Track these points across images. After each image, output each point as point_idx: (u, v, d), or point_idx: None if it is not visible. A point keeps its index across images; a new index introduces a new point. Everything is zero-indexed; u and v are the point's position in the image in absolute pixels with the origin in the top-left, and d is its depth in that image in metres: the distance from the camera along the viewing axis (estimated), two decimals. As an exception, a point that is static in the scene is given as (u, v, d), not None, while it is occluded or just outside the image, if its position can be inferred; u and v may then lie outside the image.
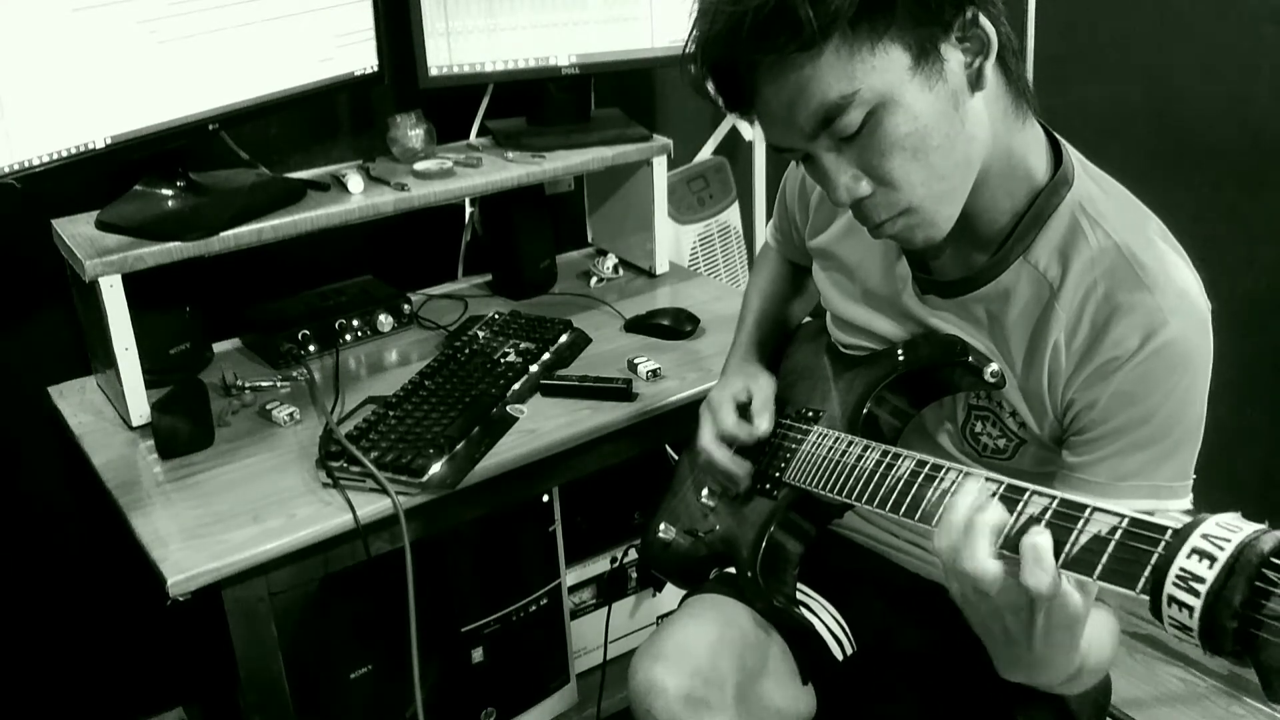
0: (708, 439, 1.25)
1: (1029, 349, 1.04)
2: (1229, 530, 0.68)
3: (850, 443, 1.09)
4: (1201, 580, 0.67)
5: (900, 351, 1.14)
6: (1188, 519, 0.72)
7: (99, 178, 1.58)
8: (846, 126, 0.91)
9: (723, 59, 0.92)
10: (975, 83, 0.93)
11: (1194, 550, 0.69)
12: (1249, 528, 0.68)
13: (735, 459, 1.22)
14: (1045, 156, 1.02)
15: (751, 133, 2.39)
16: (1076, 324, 1.00)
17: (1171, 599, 0.69)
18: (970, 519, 0.83)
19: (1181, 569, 0.68)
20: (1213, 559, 0.67)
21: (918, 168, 0.93)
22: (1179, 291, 0.97)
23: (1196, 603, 0.67)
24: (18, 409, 1.69)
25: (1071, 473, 1.02)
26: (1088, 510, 0.79)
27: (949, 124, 0.92)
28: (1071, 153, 1.04)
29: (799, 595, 1.27)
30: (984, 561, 0.81)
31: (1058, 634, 0.84)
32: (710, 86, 0.95)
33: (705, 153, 2.36)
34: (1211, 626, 0.66)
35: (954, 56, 0.91)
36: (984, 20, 0.91)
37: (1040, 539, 0.78)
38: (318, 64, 1.67)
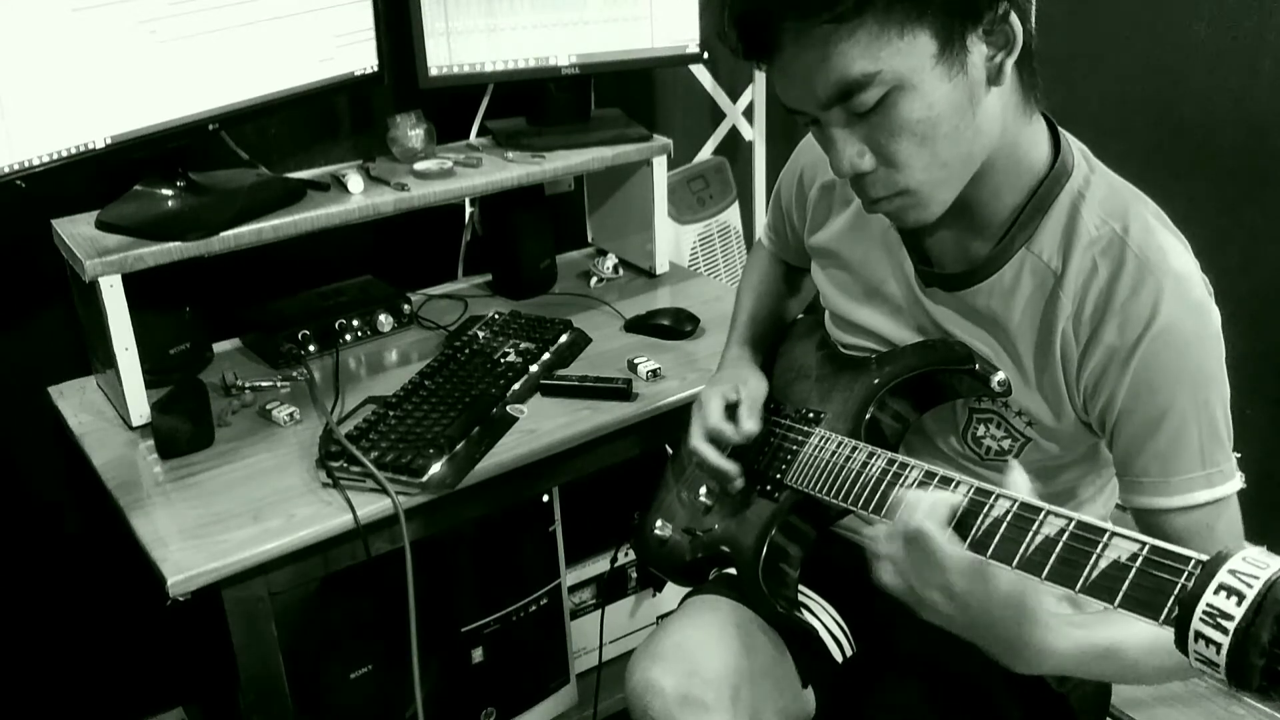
0: (697, 437, 1.25)
1: (1039, 342, 1.04)
2: (1256, 566, 0.68)
3: (854, 448, 1.09)
4: (1230, 618, 0.67)
5: (903, 356, 1.14)
6: (1223, 542, 0.72)
7: (99, 178, 1.58)
8: (862, 103, 0.91)
9: (752, 11, 0.92)
10: (994, 78, 0.94)
11: (1221, 586, 0.69)
12: (1276, 564, 0.68)
13: (723, 459, 1.21)
14: (1047, 149, 1.03)
15: (751, 133, 2.39)
16: (1080, 309, 1.00)
17: (1199, 635, 0.69)
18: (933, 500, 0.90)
19: (1209, 605, 0.69)
20: (1241, 596, 0.67)
21: (922, 153, 0.93)
22: (1177, 274, 0.98)
23: (1225, 640, 0.67)
24: (18, 409, 1.69)
25: (1124, 475, 1.03)
26: (1106, 535, 0.79)
27: (960, 116, 0.93)
28: (1074, 143, 1.05)
29: (799, 597, 1.27)
30: (931, 526, 0.87)
31: (998, 610, 0.88)
32: (733, 33, 0.94)
33: (705, 153, 2.36)
34: (1239, 664, 0.67)
35: (978, 50, 0.92)
36: (1013, 17, 0.92)
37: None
38: (318, 64, 1.67)
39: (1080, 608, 0.97)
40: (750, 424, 1.22)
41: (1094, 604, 0.79)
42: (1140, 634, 0.94)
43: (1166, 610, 0.73)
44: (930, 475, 0.97)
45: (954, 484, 0.93)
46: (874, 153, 0.94)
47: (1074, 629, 0.94)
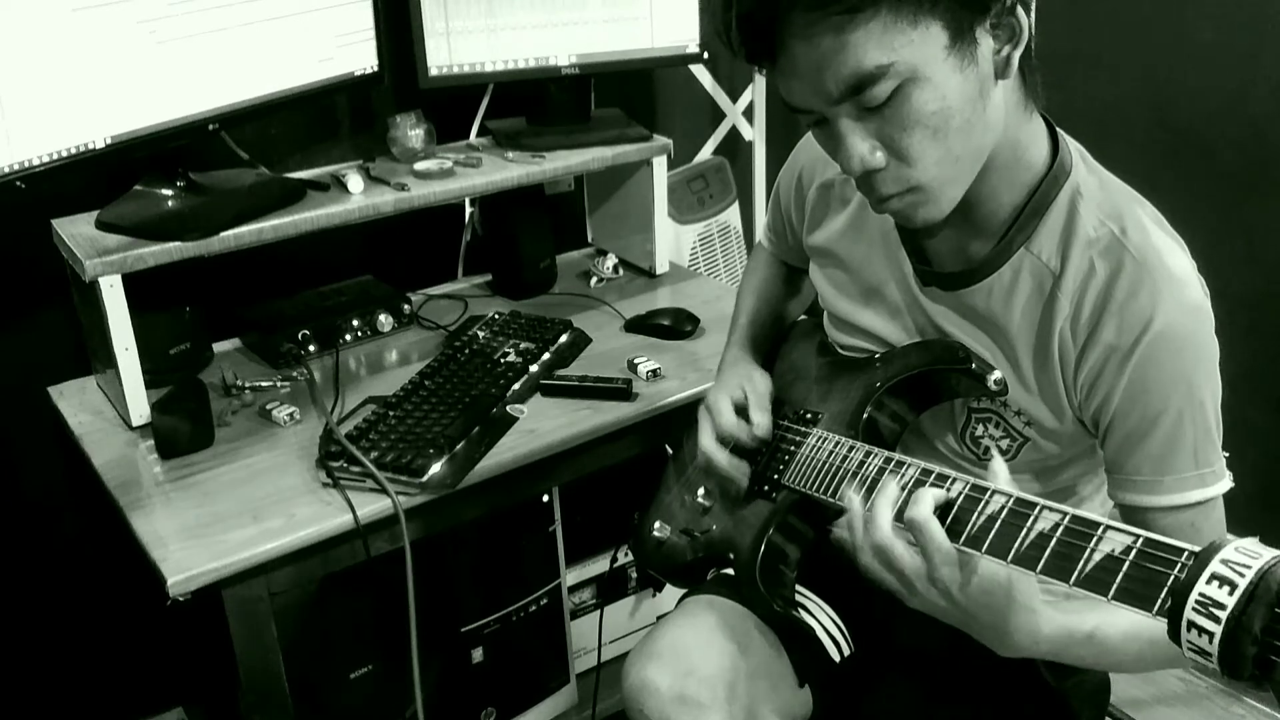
0: (707, 441, 1.24)
1: (1037, 343, 1.04)
2: (1248, 556, 0.69)
3: (851, 447, 1.09)
4: (1222, 606, 0.68)
5: (901, 356, 1.14)
6: (1208, 540, 0.72)
7: (99, 178, 1.58)
8: (875, 97, 0.90)
9: (757, 7, 0.90)
10: (1001, 71, 0.94)
11: (1214, 576, 0.69)
12: (1268, 554, 0.69)
13: (735, 461, 1.21)
14: (1046, 148, 1.03)
15: (751, 133, 2.39)
16: (1078, 309, 1.01)
17: (1191, 624, 0.69)
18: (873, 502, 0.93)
19: (1201, 594, 0.69)
20: (1233, 585, 0.68)
21: (935, 147, 0.93)
22: (1174, 276, 0.98)
23: (1217, 629, 0.68)
24: (18, 409, 1.69)
25: (1116, 473, 1.03)
26: (1100, 528, 0.80)
27: (972, 108, 0.93)
28: (1071, 144, 1.05)
29: (797, 596, 1.27)
30: (885, 531, 0.91)
31: (984, 600, 0.91)
32: (734, 33, 0.93)
33: (705, 153, 2.36)
34: (1231, 653, 0.67)
35: (985, 42, 0.92)
36: (1019, 10, 0.92)
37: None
38: (318, 64, 1.67)
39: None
40: (762, 421, 1.22)
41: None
42: (1120, 620, 0.96)
43: (1160, 602, 0.73)
44: (926, 473, 0.97)
45: (950, 480, 0.93)
46: (886, 148, 0.93)
47: (1058, 613, 0.96)
